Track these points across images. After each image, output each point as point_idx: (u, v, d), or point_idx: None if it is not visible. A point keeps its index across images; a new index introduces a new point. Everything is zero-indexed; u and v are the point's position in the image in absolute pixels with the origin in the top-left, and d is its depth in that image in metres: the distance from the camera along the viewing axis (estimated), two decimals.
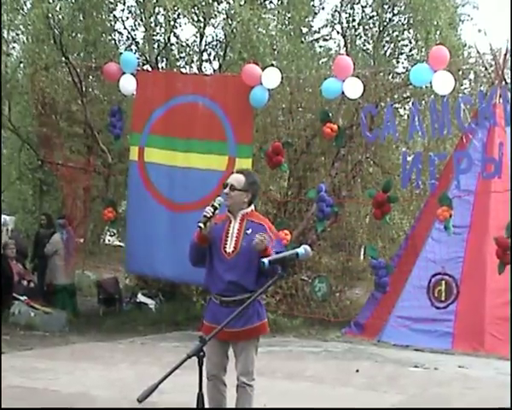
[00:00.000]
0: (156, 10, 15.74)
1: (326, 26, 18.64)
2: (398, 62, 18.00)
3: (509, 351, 11.47)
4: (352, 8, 18.35)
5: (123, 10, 16.84)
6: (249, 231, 5.82)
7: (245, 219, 5.90)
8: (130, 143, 13.21)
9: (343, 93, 12.07)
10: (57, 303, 14.40)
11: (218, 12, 15.85)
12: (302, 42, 16.84)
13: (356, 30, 18.52)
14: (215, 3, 15.50)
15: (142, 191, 12.70)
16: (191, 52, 17.42)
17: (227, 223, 5.90)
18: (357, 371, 10.31)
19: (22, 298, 13.70)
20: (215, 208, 5.75)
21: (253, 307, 5.77)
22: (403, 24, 17.68)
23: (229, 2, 15.48)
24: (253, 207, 6.02)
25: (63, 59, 14.90)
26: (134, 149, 12.86)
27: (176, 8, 14.56)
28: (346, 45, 18.30)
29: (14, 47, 16.99)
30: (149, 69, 15.82)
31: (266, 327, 6.01)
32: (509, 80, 14.24)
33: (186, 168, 12.39)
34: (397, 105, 16.06)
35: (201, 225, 5.69)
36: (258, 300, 5.80)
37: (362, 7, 18.26)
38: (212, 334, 4.49)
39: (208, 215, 5.70)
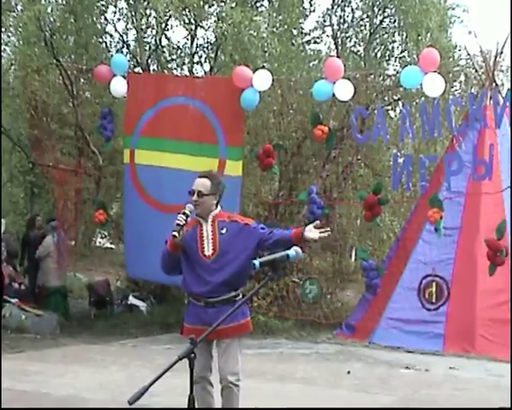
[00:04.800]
0: (147, 13, 15.76)
1: (317, 28, 18.72)
2: (388, 64, 18.07)
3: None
4: (343, 10, 18.45)
5: (114, 13, 16.88)
6: (224, 231, 5.88)
7: (216, 221, 5.92)
8: (123, 145, 13.21)
9: (334, 95, 12.08)
10: (49, 305, 14.36)
11: (210, 14, 15.86)
12: (293, 44, 16.86)
13: (346, 32, 18.61)
14: (206, 6, 15.51)
15: (132, 194, 12.70)
16: (182, 54, 17.47)
17: (198, 227, 5.92)
18: (349, 372, 10.33)
19: (13, 300, 13.68)
20: (187, 216, 5.79)
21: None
22: (394, 26, 17.75)
23: (220, 5, 15.49)
24: (220, 207, 6.02)
25: (54, 61, 14.87)
26: (126, 152, 12.86)
27: (167, 10, 14.56)
28: (336, 47, 18.37)
29: (4, 49, 16.95)
30: (140, 71, 15.83)
31: (250, 325, 6.02)
32: (499, 82, 14.31)
33: (175, 169, 12.34)
34: (387, 107, 16.07)
35: (176, 233, 5.72)
36: (241, 299, 5.83)
37: (352, 9, 18.35)
38: (205, 334, 4.49)
39: (182, 223, 5.74)
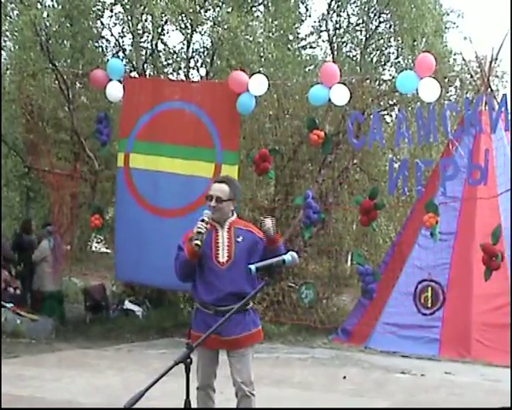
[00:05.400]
0: (143, 17, 15.74)
1: (313, 33, 18.75)
2: (384, 69, 18.10)
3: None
4: (339, 15, 18.47)
5: (110, 17, 16.85)
6: (240, 239, 5.81)
7: (232, 227, 5.86)
8: (118, 149, 13.20)
9: (330, 100, 12.09)
10: (45, 310, 14.34)
11: (206, 19, 15.85)
12: (289, 49, 16.88)
13: (342, 37, 18.63)
14: (202, 11, 15.51)
15: (127, 197, 12.68)
16: (178, 59, 17.44)
17: (213, 233, 5.83)
18: (345, 377, 10.33)
19: (8, 305, 13.65)
20: (206, 223, 5.69)
21: (248, 315, 5.85)
22: (389, 32, 17.78)
23: (216, 10, 15.50)
24: (236, 214, 6.00)
25: (50, 66, 14.86)
26: (120, 156, 12.85)
27: (163, 15, 14.55)
28: (332, 52, 18.40)
29: (0, 54, 16.94)
30: (136, 76, 15.82)
31: (261, 334, 6.03)
32: (494, 88, 14.35)
33: (170, 173, 12.33)
34: (383, 112, 16.10)
35: (199, 242, 5.60)
36: (252, 308, 5.93)
37: (348, 15, 18.37)
38: (201, 339, 4.50)
39: (203, 231, 5.63)
